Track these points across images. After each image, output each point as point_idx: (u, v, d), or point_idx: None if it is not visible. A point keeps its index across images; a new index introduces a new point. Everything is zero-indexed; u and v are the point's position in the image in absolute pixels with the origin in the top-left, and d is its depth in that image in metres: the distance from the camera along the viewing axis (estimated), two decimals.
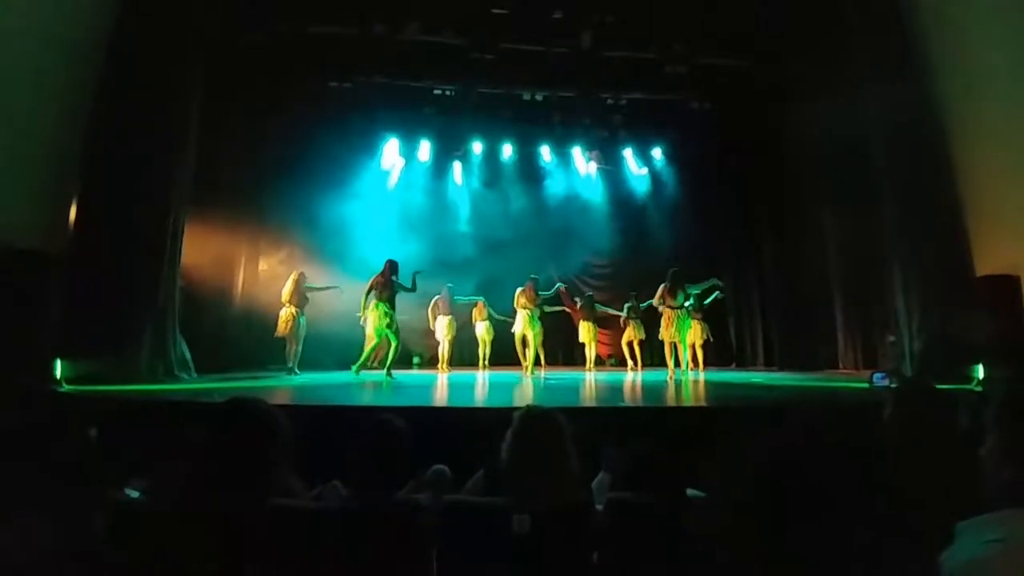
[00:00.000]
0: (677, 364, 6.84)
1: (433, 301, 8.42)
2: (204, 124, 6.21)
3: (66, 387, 4.46)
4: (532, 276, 7.91)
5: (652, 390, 5.58)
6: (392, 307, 6.55)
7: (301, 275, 7.16)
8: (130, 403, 3.84)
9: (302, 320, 6.99)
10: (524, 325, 7.63)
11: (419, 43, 7.83)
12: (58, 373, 4.62)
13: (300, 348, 7.01)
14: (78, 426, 1.67)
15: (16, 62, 4.46)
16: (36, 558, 1.21)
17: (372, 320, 6.52)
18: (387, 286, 6.53)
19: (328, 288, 7.41)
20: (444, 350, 8.39)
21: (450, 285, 8.60)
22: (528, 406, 1.87)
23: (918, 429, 1.66)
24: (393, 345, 6.62)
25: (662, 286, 6.83)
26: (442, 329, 8.40)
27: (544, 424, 1.77)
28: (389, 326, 6.53)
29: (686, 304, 6.86)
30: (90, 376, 4.74)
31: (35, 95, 4.66)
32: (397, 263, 6.70)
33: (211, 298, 7.34)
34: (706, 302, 8.24)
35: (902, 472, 1.47)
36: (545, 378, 7.11)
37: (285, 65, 7.83)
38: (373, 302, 6.53)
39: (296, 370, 6.99)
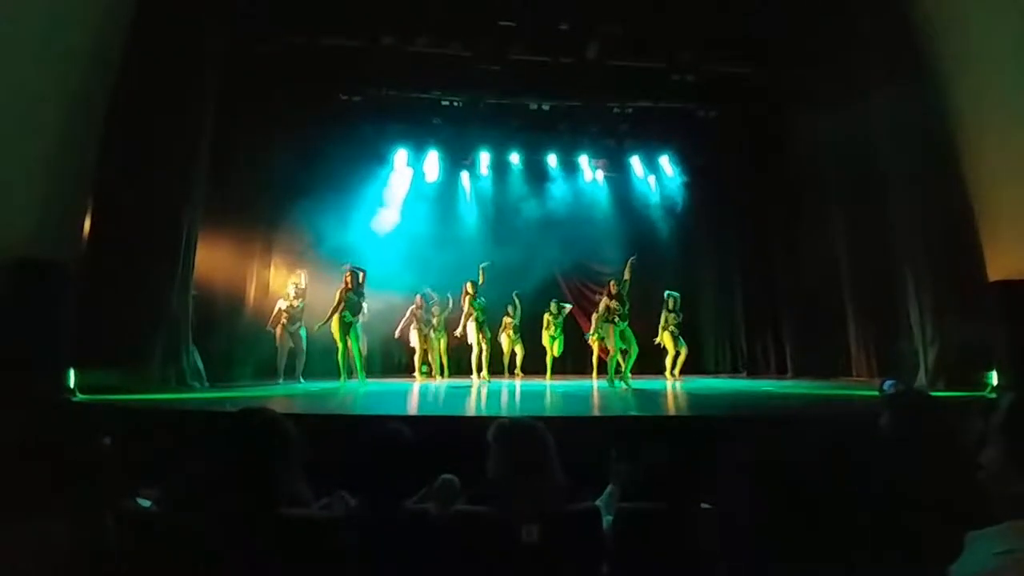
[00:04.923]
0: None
1: (410, 309, 8.47)
2: (217, 135, 6.31)
3: (80, 396, 4.52)
4: (473, 278, 7.89)
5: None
6: (353, 315, 6.89)
7: (295, 286, 7.61)
8: (143, 412, 3.89)
9: (290, 330, 7.46)
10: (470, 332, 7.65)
11: (427, 55, 7.91)
12: (72, 382, 4.69)
13: (284, 358, 7.52)
14: (92, 435, 1.70)
15: (32, 73, 4.54)
16: (50, 562, 1.23)
17: (336, 328, 6.83)
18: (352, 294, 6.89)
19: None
20: (417, 358, 8.52)
21: (425, 291, 8.58)
22: (507, 418, 1.87)
23: (911, 437, 1.65)
24: (353, 351, 6.92)
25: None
26: (415, 337, 8.49)
27: (525, 434, 1.78)
28: (350, 333, 6.84)
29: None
30: (103, 385, 4.79)
31: (50, 106, 4.73)
32: (364, 271, 7.07)
33: (223, 308, 7.42)
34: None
35: (900, 481, 1.46)
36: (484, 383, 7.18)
37: (296, 78, 7.94)
38: (339, 312, 6.83)
39: (280, 380, 7.35)
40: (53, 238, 4.73)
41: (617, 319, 6.78)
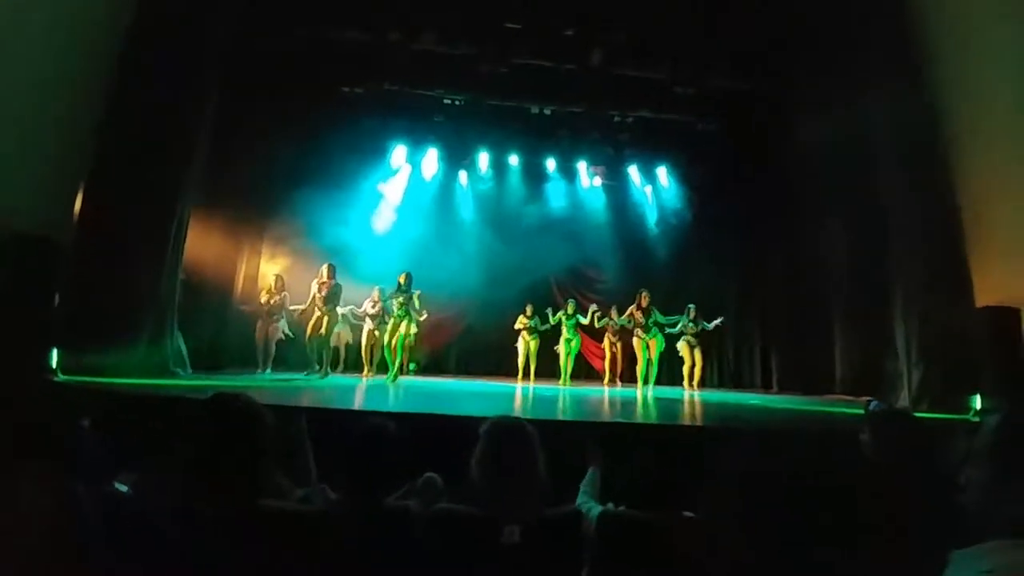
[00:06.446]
0: None
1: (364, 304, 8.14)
2: (215, 121, 6.26)
3: (61, 376, 4.45)
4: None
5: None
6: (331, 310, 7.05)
7: (277, 278, 7.58)
8: (122, 396, 3.84)
9: (268, 323, 7.42)
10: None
11: (432, 53, 7.91)
12: (54, 362, 4.61)
13: (265, 351, 7.41)
14: (71, 416, 1.67)
15: (32, 50, 4.48)
16: (20, 541, 1.20)
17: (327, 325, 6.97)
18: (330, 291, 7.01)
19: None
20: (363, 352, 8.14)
21: (381, 287, 8.08)
22: (497, 417, 1.86)
23: (893, 456, 1.65)
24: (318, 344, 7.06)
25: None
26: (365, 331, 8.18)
27: (514, 435, 1.77)
28: (330, 330, 7.04)
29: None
30: (86, 367, 4.72)
31: (50, 83, 4.67)
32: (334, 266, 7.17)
33: (211, 294, 7.35)
34: None
35: (883, 500, 1.46)
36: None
37: (299, 68, 7.89)
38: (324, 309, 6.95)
39: (262, 371, 7.24)
40: (44, 216, 4.66)
41: (640, 331, 7.16)
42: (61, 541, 1.31)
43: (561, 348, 8.62)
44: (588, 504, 1.87)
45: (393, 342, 7.16)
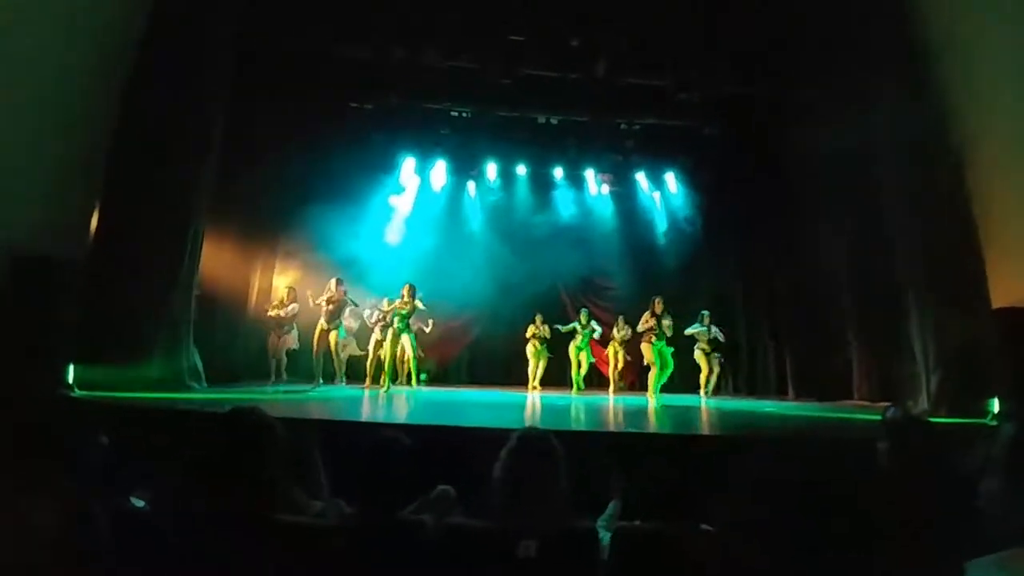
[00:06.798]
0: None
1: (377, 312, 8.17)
2: (227, 136, 6.36)
3: (78, 392, 4.51)
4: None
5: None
6: (328, 322, 7.29)
7: (289, 290, 7.67)
8: (140, 411, 3.88)
9: (279, 335, 7.56)
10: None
11: (438, 67, 7.99)
12: (71, 378, 4.68)
13: (277, 362, 7.56)
14: (89, 431, 1.70)
15: (44, 70, 4.58)
16: (36, 553, 1.22)
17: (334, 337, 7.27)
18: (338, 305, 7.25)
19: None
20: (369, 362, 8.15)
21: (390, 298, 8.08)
22: (525, 428, 1.86)
23: (910, 464, 1.63)
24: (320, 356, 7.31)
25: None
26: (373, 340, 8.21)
27: (540, 447, 1.76)
28: (338, 342, 7.32)
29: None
30: (103, 382, 4.78)
31: (62, 102, 4.78)
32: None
33: (225, 308, 7.43)
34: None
35: (900, 508, 1.44)
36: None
37: (307, 84, 8.01)
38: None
39: (274, 383, 7.32)
40: (60, 234, 4.75)
41: (654, 338, 7.12)
42: (78, 554, 1.33)
43: (572, 356, 8.60)
44: (604, 535, 1.85)
45: (398, 354, 7.21)
